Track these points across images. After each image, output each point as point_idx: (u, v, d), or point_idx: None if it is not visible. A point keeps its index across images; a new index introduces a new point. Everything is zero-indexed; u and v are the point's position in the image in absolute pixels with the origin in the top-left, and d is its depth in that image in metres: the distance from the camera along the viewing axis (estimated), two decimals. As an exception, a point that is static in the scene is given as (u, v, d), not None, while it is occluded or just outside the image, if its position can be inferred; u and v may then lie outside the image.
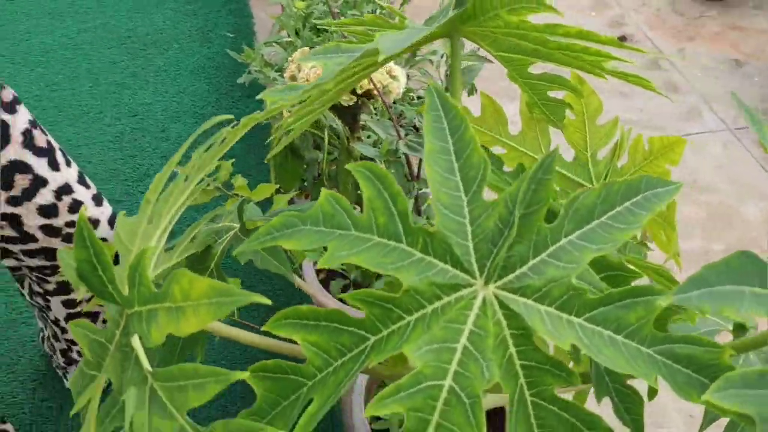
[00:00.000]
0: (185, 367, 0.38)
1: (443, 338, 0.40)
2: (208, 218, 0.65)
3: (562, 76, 0.66)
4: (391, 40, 0.46)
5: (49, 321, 1.26)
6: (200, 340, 0.64)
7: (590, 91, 0.70)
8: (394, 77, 1.11)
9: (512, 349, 0.41)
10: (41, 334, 1.49)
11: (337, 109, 1.17)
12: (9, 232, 0.98)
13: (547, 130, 0.75)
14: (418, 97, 1.43)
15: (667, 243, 0.63)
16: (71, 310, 1.17)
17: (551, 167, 0.40)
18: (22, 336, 1.57)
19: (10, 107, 0.94)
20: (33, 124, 0.98)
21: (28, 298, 1.25)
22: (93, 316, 1.24)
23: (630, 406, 0.45)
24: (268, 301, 0.36)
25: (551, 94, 0.69)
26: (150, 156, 1.94)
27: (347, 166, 0.48)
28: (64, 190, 1.01)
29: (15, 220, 0.98)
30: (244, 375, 0.37)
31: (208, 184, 0.92)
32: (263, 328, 0.48)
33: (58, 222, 1.01)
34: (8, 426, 1.32)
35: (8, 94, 0.94)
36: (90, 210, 1.04)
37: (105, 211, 1.09)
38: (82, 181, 1.05)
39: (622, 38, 2.47)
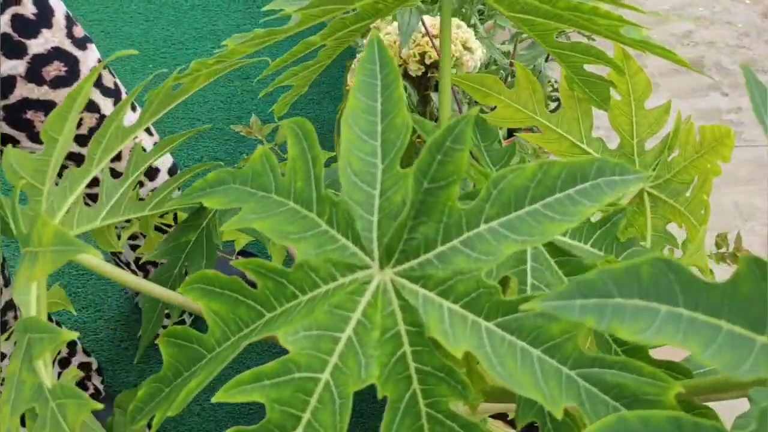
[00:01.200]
0: (32, 319, 0.35)
1: (326, 325, 0.35)
2: (195, 171, 0.63)
3: (598, 48, 0.57)
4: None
5: (123, 265, 1.30)
6: (207, 249, 0.63)
7: (636, 69, 0.60)
8: (468, 49, 1.04)
9: (407, 348, 0.35)
10: None
11: (411, 79, 1.11)
12: None
13: (590, 111, 0.66)
14: (512, 75, 1.34)
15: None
16: (140, 256, 1.20)
17: (463, 136, 0.33)
18: (111, 278, 1.65)
19: (82, 44, 0.96)
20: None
21: None
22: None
23: (563, 437, 0.37)
24: (100, 255, 0.32)
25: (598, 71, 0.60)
26: (254, 118, 1.97)
27: (281, 123, 0.43)
28: None
29: (82, 160, 1.01)
30: (72, 335, 0.33)
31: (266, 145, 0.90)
32: (178, 290, 0.44)
33: (121, 166, 1.03)
34: (92, 359, 1.39)
35: (80, 31, 0.96)
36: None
37: (166, 161, 1.10)
38: (146, 128, 1.06)
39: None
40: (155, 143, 1.08)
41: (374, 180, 0.36)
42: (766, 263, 0.26)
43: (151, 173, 1.08)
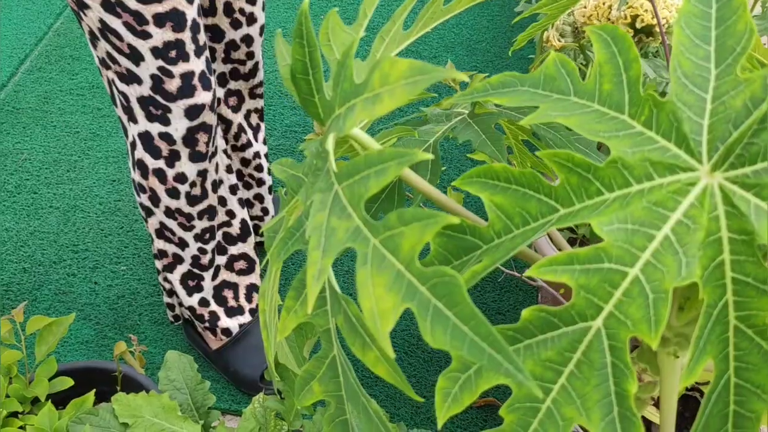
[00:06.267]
0: (369, 154, 0.36)
1: (642, 221, 0.34)
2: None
3: None
4: None
5: None
6: (398, 196, 0.64)
7: None
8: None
9: (726, 256, 0.34)
10: None
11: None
12: None
13: None
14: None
15: None
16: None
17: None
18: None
19: None
20: None
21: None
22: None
23: None
24: (465, 77, 0.33)
25: None
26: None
27: (587, 29, 0.43)
28: None
29: None
30: (426, 156, 0.33)
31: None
32: (453, 184, 0.45)
33: None
34: None
35: None
36: None
37: None
38: None
39: None
40: None
41: (706, 84, 0.35)
42: None
43: None
